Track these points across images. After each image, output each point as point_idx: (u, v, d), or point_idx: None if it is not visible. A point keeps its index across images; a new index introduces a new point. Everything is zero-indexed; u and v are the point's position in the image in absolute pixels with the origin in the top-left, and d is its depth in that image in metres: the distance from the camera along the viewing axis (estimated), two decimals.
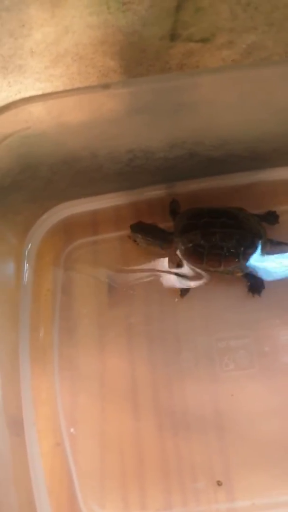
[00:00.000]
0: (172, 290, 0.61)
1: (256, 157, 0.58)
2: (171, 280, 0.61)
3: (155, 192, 0.63)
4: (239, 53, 0.51)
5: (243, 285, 0.60)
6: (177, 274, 0.61)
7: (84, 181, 0.59)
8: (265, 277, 0.60)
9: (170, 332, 0.60)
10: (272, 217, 0.61)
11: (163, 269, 0.62)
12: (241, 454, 0.56)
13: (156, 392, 0.58)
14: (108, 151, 0.53)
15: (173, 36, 0.47)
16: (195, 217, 0.58)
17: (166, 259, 0.62)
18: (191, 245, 0.58)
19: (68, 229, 0.64)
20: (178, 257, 0.59)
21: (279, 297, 0.60)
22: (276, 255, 0.60)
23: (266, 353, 0.58)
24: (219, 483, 0.55)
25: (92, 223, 0.64)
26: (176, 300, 0.61)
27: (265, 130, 0.54)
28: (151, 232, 0.60)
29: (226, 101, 0.49)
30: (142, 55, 0.52)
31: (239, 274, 0.59)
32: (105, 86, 0.43)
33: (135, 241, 0.61)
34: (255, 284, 0.59)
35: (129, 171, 0.57)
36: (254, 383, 0.58)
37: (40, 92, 0.54)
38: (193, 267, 0.60)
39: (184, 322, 0.60)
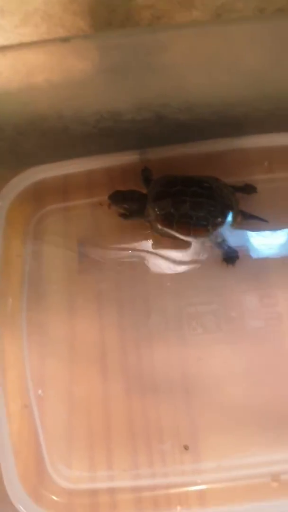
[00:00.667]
0: (142, 256, 0.61)
1: (226, 122, 0.58)
2: (142, 247, 0.62)
3: (127, 157, 0.63)
4: (209, 14, 0.51)
5: (214, 252, 0.61)
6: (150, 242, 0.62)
7: (51, 144, 0.58)
8: (235, 246, 0.61)
9: (140, 297, 0.60)
10: (249, 188, 0.62)
11: (134, 236, 0.62)
12: (207, 417, 0.56)
13: (124, 356, 0.58)
14: (73, 111, 0.52)
15: None
16: (168, 184, 0.58)
17: (138, 226, 0.62)
18: (162, 212, 0.58)
19: (38, 195, 0.63)
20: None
21: (248, 265, 0.61)
22: (246, 227, 0.61)
23: (233, 318, 0.59)
24: (186, 447, 0.55)
25: (63, 189, 0.63)
26: (135, 255, 0.61)
27: (233, 94, 0.54)
28: (130, 200, 0.60)
29: (193, 62, 0.48)
30: (112, 15, 0.51)
31: (210, 244, 0.59)
32: (65, 40, 0.42)
33: (121, 215, 0.61)
34: (229, 254, 0.60)
35: (96, 134, 0.56)
36: (221, 347, 0.58)
37: None
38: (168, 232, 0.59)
39: (154, 288, 0.60)
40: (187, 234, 0.58)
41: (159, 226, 0.58)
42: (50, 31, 0.53)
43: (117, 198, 0.60)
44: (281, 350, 0.58)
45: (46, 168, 0.63)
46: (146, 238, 0.62)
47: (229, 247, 0.60)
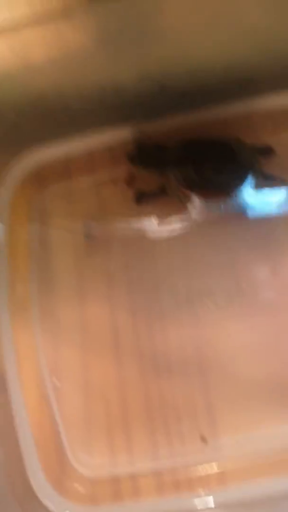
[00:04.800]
0: (151, 236, 0.60)
1: (231, 86, 0.55)
2: (150, 225, 0.60)
3: (130, 132, 0.60)
4: None
5: (223, 225, 0.59)
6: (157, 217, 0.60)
7: (52, 124, 0.56)
8: (251, 211, 0.59)
9: (150, 277, 0.59)
10: (267, 149, 0.60)
11: (142, 215, 0.60)
12: (223, 393, 0.55)
13: (137, 338, 0.57)
14: (75, 88, 0.50)
15: None
16: (189, 148, 0.57)
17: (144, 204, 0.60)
18: (182, 178, 0.56)
19: (40, 177, 0.61)
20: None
21: (260, 233, 0.59)
22: (267, 189, 0.59)
23: (244, 291, 0.58)
24: (203, 439, 0.55)
25: (65, 169, 0.61)
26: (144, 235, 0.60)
27: (238, 55, 0.51)
28: (149, 163, 0.58)
29: (192, 24, 0.46)
30: None
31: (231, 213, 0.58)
32: (63, 14, 0.40)
33: (135, 200, 0.60)
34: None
35: (99, 110, 0.54)
36: (233, 321, 0.57)
37: None
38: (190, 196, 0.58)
39: (164, 267, 0.59)
40: (209, 199, 0.57)
41: (180, 191, 0.57)
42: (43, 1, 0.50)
43: (136, 158, 0.59)
44: None
45: (46, 148, 0.60)
46: (153, 216, 0.60)
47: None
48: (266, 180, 0.58)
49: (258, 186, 0.57)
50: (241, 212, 0.58)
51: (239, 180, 0.56)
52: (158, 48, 0.47)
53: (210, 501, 0.53)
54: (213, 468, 0.54)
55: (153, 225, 0.60)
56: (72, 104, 0.52)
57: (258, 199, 0.58)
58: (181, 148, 0.57)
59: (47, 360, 0.58)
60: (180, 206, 0.58)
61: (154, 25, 0.45)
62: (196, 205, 0.57)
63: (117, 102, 0.53)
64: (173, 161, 0.57)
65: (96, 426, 0.56)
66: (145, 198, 0.59)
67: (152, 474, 0.54)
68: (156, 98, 0.54)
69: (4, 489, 0.51)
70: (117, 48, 0.46)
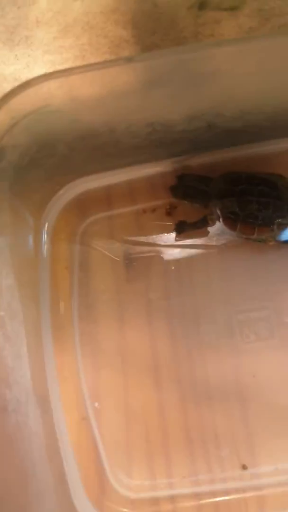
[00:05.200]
0: (189, 263, 0.61)
1: (276, 126, 0.56)
2: (189, 253, 0.61)
3: (171, 165, 0.61)
4: (256, 20, 0.49)
5: (263, 256, 0.60)
6: (194, 245, 0.61)
7: (100, 157, 0.57)
8: None
9: (189, 305, 0.60)
10: None
11: (180, 242, 0.61)
12: (263, 421, 0.57)
13: (177, 365, 0.59)
14: (126, 125, 0.51)
15: (202, 5, 0.44)
16: (233, 182, 0.58)
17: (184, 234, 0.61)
18: (226, 211, 0.57)
19: (83, 205, 0.63)
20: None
21: None
22: None
23: (286, 324, 0.59)
24: (244, 467, 0.56)
25: (106, 198, 0.63)
26: (174, 268, 0.61)
27: (285, 99, 0.52)
28: (191, 195, 0.59)
29: (244, 70, 0.47)
30: (156, 23, 0.50)
31: (272, 243, 0.59)
32: (129, 59, 0.41)
33: (176, 229, 0.61)
34: None
35: (146, 145, 0.55)
36: (274, 353, 0.58)
37: (49, 65, 0.52)
38: (227, 231, 0.59)
39: (203, 296, 0.60)
40: (251, 234, 0.57)
41: (222, 225, 0.58)
42: (91, 41, 0.52)
43: (178, 191, 0.59)
44: None
45: (90, 179, 0.62)
46: (193, 245, 0.61)
47: None
48: None
49: None
50: (282, 245, 0.58)
51: (282, 216, 0.56)
52: (209, 90, 0.48)
53: None
54: (252, 494, 0.55)
55: (192, 254, 0.61)
56: (120, 139, 0.53)
57: None
58: (224, 181, 0.58)
59: (87, 383, 0.60)
60: (221, 236, 0.60)
61: (206, 68, 0.45)
62: (236, 235, 0.58)
63: (164, 139, 0.54)
64: (216, 194, 0.58)
65: (136, 449, 0.57)
66: (186, 228, 0.61)
67: (191, 498, 0.56)
68: (203, 135, 0.54)
69: (52, 507, 0.53)
70: (169, 90, 0.47)
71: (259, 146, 0.60)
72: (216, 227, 0.59)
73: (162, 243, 0.62)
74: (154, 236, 0.62)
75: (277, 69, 0.47)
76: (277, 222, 0.56)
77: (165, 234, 0.62)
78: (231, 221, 0.57)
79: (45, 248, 0.62)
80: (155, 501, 0.56)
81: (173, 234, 0.62)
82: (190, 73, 0.45)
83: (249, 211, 0.56)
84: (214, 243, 0.61)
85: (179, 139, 0.55)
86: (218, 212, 0.57)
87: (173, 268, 0.61)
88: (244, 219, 0.56)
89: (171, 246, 0.62)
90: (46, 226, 0.62)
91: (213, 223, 0.58)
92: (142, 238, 0.62)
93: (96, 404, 0.59)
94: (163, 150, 0.58)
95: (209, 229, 0.60)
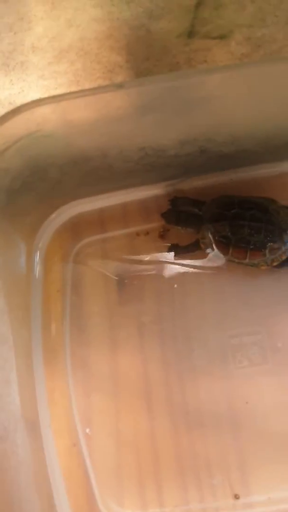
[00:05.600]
0: (182, 287, 0.61)
1: (268, 151, 0.57)
2: (181, 276, 0.61)
3: (164, 188, 0.62)
4: (249, 46, 0.49)
5: (255, 281, 0.60)
6: (187, 269, 0.61)
7: (92, 181, 0.58)
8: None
9: (182, 329, 0.59)
10: None
11: (173, 266, 0.61)
12: (256, 449, 0.56)
13: (169, 390, 0.58)
14: (118, 150, 0.52)
15: (191, 33, 0.45)
16: (225, 206, 0.58)
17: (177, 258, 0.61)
18: (217, 236, 0.57)
19: (76, 228, 0.63)
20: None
21: None
22: None
23: (279, 349, 0.58)
24: (236, 497, 0.55)
25: (99, 221, 0.63)
26: (175, 286, 0.61)
27: (276, 124, 0.52)
28: (183, 221, 0.59)
29: (235, 96, 0.47)
30: (149, 50, 0.50)
31: (264, 267, 0.58)
32: (120, 86, 0.41)
33: (171, 249, 0.61)
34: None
35: (138, 169, 0.56)
36: (268, 379, 0.58)
37: (44, 90, 0.53)
38: (219, 255, 0.59)
39: (196, 319, 0.60)
40: (243, 258, 0.57)
41: (214, 249, 0.58)
42: (85, 67, 0.53)
43: (171, 217, 0.59)
44: None
45: (82, 202, 0.62)
46: (186, 269, 0.61)
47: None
48: None
49: None
50: (274, 269, 0.58)
51: (274, 241, 0.56)
52: (200, 116, 0.48)
53: None
54: None
55: (184, 277, 0.61)
56: (113, 163, 0.54)
57: None
58: (216, 205, 0.58)
59: (78, 408, 0.59)
60: (213, 260, 0.59)
61: (197, 94, 0.46)
62: (228, 259, 0.58)
63: (157, 163, 0.55)
64: (208, 218, 0.58)
65: (128, 476, 0.56)
66: (178, 252, 0.60)
67: None
68: (195, 160, 0.55)
69: None
70: (161, 115, 0.47)
71: (251, 170, 0.61)
72: (209, 251, 0.58)
73: (156, 267, 0.62)
74: (147, 259, 0.62)
75: (268, 95, 0.48)
76: (269, 246, 0.56)
77: (159, 257, 0.62)
78: (223, 245, 0.57)
79: (37, 270, 0.61)
80: None
81: (167, 258, 0.61)
82: (182, 99, 0.45)
83: (241, 236, 0.56)
84: (207, 267, 0.60)
85: (171, 163, 0.55)
86: (210, 236, 0.57)
87: (166, 291, 0.61)
88: (236, 243, 0.56)
89: (164, 270, 0.62)
90: (39, 248, 0.62)
91: (205, 247, 0.58)
92: (136, 261, 0.62)
93: (87, 430, 0.58)
94: (155, 174, 0.58)
95: (202, 253, 0.60)
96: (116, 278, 0.62)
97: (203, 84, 0.45)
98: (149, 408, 0.58)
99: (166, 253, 0.61)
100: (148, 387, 0.58)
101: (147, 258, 0.62)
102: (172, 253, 0.61)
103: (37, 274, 0.61)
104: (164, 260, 0.62)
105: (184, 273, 0.61)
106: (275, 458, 0.56)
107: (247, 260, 0.57)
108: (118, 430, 0.58)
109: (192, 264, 0.61)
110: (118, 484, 0.56)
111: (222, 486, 0.55)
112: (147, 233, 0.62)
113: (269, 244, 0.56)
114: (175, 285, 0.61)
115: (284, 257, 0.57)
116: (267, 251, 0.57)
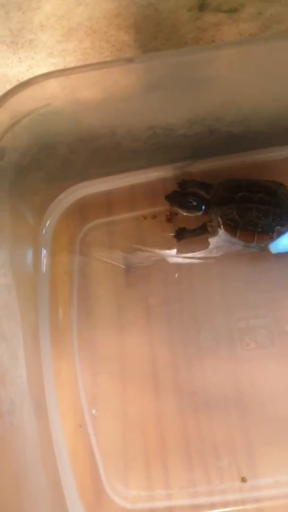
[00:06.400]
0: (190, 270, 0.60)
1: (278, 132, 0.56)
2: (189, 260, 0.61)
3: (172, 171, 0.61)
4: (256, 26, 0.49)
5: (262, 264, 0.59)
6: (195, 252, 0.61)
7: (100, 160, 0.58)
8: None
9: (189, 312, 0.59)
10: None
11: (181, 248, 0.61)
12: (263, 432, 0.56)
13: (176, 372, 0.58)
14: (126, 129, 0.51)
15: (202, 6, 0.45)
16: (232, 189, 0.57)
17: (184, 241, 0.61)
18: (225, 218, 0.57)
19: (84, 210, 0.63)
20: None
21: None
22: None
23: (286, 332, 0.58)
24: (243, 479, 0.55)
25: (107, 203, 0.63)
26: (176, 275, 0.60)
27: (285, 105, 0.52)
28: (189, 204, 0.58)
29: (244, 75, 0.47)
30: (157, 28, 0.50)
31: (271, 251, 0.58)
32: (129, 60, 0.41)
33: (175, 236, 0.61)
34: None
35: (146, 149, 0.56)
36: (275, 361, 0.57)
37: (52, 68, 0.53)
38: (227, 238, 0.58)
39: (203, 303, 0.60)
40: (251, 241, 0.57)
41: (222, 232, 0.57)
42: (94, 45, 0.52)
43: (176, 199, 0.59)
44: None
45: (90, 184, 0.62)
46: (192, 251, 0.61)
47: None
48: None
49: None
50: (281, 253, 0.58)
51: (282, 224, 0.56)
52: (209, 95, 0.48)
53: None
54: (251, 506, 0.54)
55: (192, 261, 0.61)
56: (121, 142, 0.54)
57: None
58: (224, 188, 0.58)
59: (85, 389, 0.59)
60: (220, 244, 0.59)
61: (206, 73, 0.46)
62: (236, 243, 0.58)
63: (165, 143, 0.54)
64: (215, 201, 0.58)
65: (133, 457, 0.56)
66: (185, 235, 0.60)
67: (189, 510, 0.54)
68: (204, 140, 0.55)
69: None
70: (170, 93, 0.47)
71: (259, 153, 0.60)
72: (216, 235, 0.58)
73: (163, 250, 0.62)
74: (154, 242, 0.62)
75: (276, 74, 0.48)
76: (277, 230, 0.56)
77: (166, 240, 0.61)
78: (230, 228, 0.57)
79: (44, 252, 0.61)
80: (152, 511, 0.54)
81: (174, 241, 0.61)
82: (190, 76, 0.45)
83: (249, 219, 0.56)
84: (214, 251, 0.60)
85: (179, 143, 0.55)
86: (218, 219, 0.57)
87: (173, 275, 0.61)
88: (244, 226, 0.56)
89: (171, 254, 0.61)
90: (47, 228, 0.62)
91: (213, 230, 0.58)
92: (143, 244, 0.62)
93: (94, 411, 0.58)
94: (163, 155, 0.58)
95: (209, 236, 0.59)
96: (123, 261, 0.62)
97: (212, 61, 0.44)
98: (155, 390, 0.57)
99: (173, 237, 0.61)
100: (154, 368, 0.58)
101: (154, 241, 0.62)
102: (179, 237, 0.60)
103: (44, 256, 0.61)
104: (171, 244, 0.61)
105: (191, 258, 0.61)
106: (282, 442, 0.56)
107: (254, 243, 0.57)
108: (124, 411, 0.57)
109: (198, 248, 0.60)
110: (124, 465, 0.56)
111: (229, 468, 0.55)
112: (154, 216, 0.61)
113: (277, 227, 0.56)
114: (183, 269, 0.60)
115: None
116: (274, 234, 0.56)
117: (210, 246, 0.60)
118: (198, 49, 0.46)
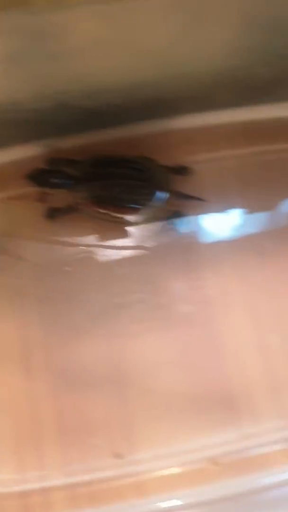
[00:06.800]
0: (60, 250, 0.60)
1: (140, 106, 0.56)
2: (60, 240, 0.60)
3: (39, 149, 0.60)
4: None
5: (138, 239, 0.59)
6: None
7: None
8: (166, 230, 0.59)
9: (62, 292, 0.59)
10: (182, 169, 0.61)
11: (52, 229, 0.60)
12: (142, 406, 0.56)
13: (49, 353, 0.57)
14: None
15: None
16: (100, 165, 0.57)
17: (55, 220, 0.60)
18: (92, 194, 0.57)
19: None
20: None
21: (174, 250, 0.60)
22: (183, 208, 0.60)
23: (162, 305, 0.58)
24: (120, 455, 0.55)
25: None
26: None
27: (142, 77, 0.52)
28: (55, 182, 0.57)
29: (96, 46, 0.46)
30: None
31: (139, 224, 0.59)
32: None
33: (47, 215, 0.59)
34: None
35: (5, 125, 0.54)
36: (152, 335, 0.57)
37: None
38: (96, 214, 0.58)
39: (76, 281, 0.59)
40: (118, 216, 0.57)
41: (89, 208, 0.57)
42: None
43: (40, 177, 0.57)
44: (212, 333, 0.58)
45: None
46: (63, 230, 0.60)
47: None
48: (182, 199, 0.59)
49: (172, 204, 0.58)
50: (162, 228, 0.59)
51: (147, 198, 0.57)
52: (55, 67, 0.47)
53: None
54: (130, 481, 0.54)
55: (65, 241, 0.60)
56: None
57: (178, 217, 0.60)
58: (91, 164, 0.58)
59: None
60: (93, 221, 0.59)
61: (54, 44, 0.44)
62: (104, 219, 0.57)
63: (17, 119, 0.53)
64: (82, 177, 0.57)
65: (4, 441, 0.55)
66: (56, 214, 0.59)
67: (65, 488, 0.53)
68: (58, 115, 0.54)
69: None
70: (14, 65, 0.46)
71: (126, 129, 0.60)
72: (86, 212, 0.58)
73: (32, 231, 0.60)
74: (26, 224, 0.60)
75: (132, 41, 0.46)
76: (142, 204, 0.57)
77: (38, 222, 0.59)
78: (97, 204, 0.57)
79: None
80: (25, 494, 0.53)
81: (42, 221, 0.59)
82: (32, 44, 0.43)
83: (114, 194, 0.56)
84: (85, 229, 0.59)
85: (33, 119, 0.54)
86: (84, 196, 0.57)
87: (42, 255, 0.59)
88: (110, 201, 0.56)
89: (40, 233, 0.60)
90: None
91: (82, 207, 0.58)
92: (12, 228, 0.60)
93: None
94: (21, 132, 0.57)
95: (81, 216, 0.58)
96: None
97: (53, 27, 0.43)
98: (27, 373, 0.56)
99: (44, 218, 0.59)
100: (25, 351, 0.57)
101: (25, 223, 0.60)
102: (50, 217, 0.59)
103: None
104: (43, 225, 0.60)
105: (60, 236, 0.60)
106: (160, 414, 0.56)
107: (121, 218, 0.57)
108: None
109: (70, 226, 0.60)
110: None
111: (106, 445, 0.55)
112: (24, 197, 0.60)
113: (142, 201, 0.57)
114: (52, 249, 0.60)
115: (160, 215, 0.58)
116: (140, 208, 0.57)
117: (82, 224, 0.59)
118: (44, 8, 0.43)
